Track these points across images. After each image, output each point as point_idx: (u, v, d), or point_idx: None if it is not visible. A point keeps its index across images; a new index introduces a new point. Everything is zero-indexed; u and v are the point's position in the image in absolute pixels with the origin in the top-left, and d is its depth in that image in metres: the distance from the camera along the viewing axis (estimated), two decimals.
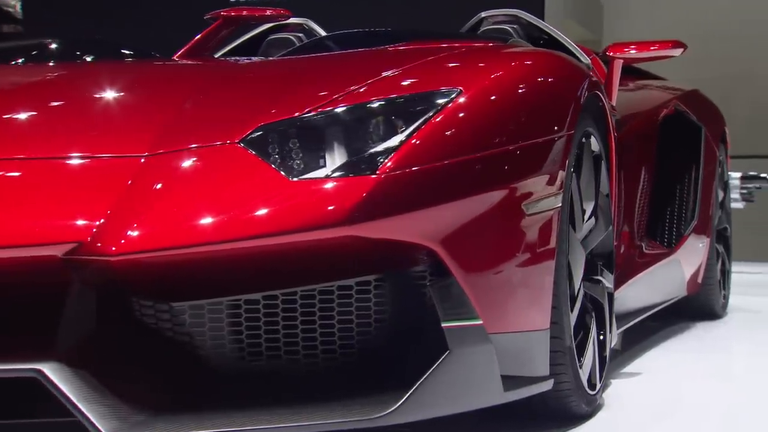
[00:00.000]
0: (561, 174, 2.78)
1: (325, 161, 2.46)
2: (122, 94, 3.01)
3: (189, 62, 4.06)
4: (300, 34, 4.77)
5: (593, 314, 3.12)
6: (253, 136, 2.52)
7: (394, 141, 2.48)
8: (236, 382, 2.42)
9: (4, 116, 2.80)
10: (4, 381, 2.30)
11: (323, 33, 4.77)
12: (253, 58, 4.28)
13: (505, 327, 2.60)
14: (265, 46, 4.75)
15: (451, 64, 2.90)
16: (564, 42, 4.48)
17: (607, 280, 3.28)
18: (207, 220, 2.34)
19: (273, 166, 2.44)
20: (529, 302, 2.69)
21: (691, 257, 4.81)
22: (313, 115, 2.56)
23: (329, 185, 2.40)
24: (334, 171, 2.43)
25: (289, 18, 4.48)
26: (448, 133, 2.54)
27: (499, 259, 2.61)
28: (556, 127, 2.79)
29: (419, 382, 2.39)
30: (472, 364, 2.50)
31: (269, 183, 2.41)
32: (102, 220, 2.32)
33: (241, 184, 2.42)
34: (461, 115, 2.58)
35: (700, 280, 5.00)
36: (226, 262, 2.34)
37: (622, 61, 4.15)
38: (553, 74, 2.96)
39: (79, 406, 2.24)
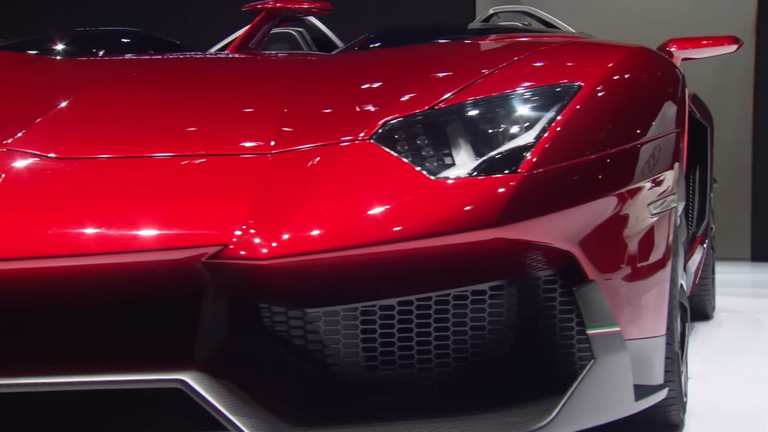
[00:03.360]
0: (675, 173, 2.67)
1: (457, 158, 2.33)
2: (221, 90, 2.85)
3: (266, 57, 3.86)
4: (300, 29, 4.62)
5: (684, 318, 3.03)
6: (382, 132, 2.37)
7: (529, 137, 2.35)
8: (368, 393, 2.26)
9: (114, 113, 2.63)
10: (136, 392, 2.15)
11: (323, 28, 4.62)
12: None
13: (632, 333, 2.48)
14: (266, 40, 4.57)
15: (562, 58, 2.76)
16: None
17: (686, 283, 3.19)
18: (357, 222, 2.18)
19: (412, 164, 2.29)
20: (652, 307, 2.57)
21: (696, 258, 4.76)
22: (439, 110, 2.43)
23: (475, 184, 2.25)
24: (474, 169, 2.28)
25: (329, 11, 4.30)
26: (578, 129, 2.42)
27: (627, 262, 2.48)
28: (669, 124, 2.69)
29: (570, 392, 2.26)
30: (612, 373, 2.39)
31: (413, 182, 2.26)
32: (244, 223, 2.15)
33: (383, 183, 2.26)
34: (588, 110, 2.46)
35: (697, 280, 4.96)
36: (368, 265, 2.18)
37: (681, 57, 4.08)
38: (660, 69, 2.85)
39: (233, 419, 2.09)
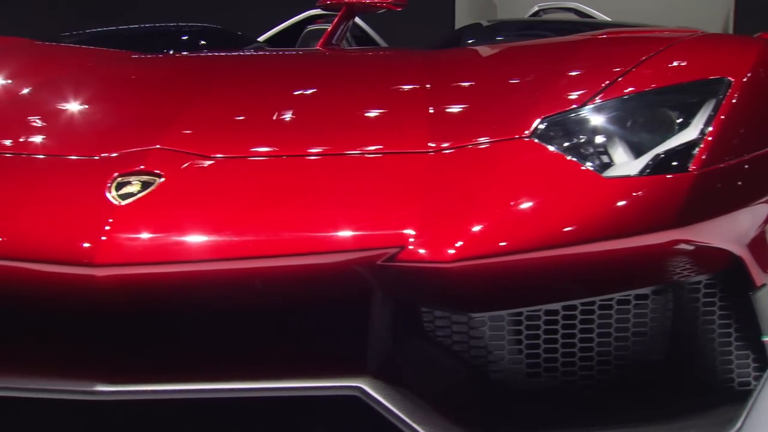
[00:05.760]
0: None
1: (615, 156, 2.21)
2: (353, 88, 2.73)
3: (378, 54, 3.72)
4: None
5: None
6: (540, 130, 2.24)
7: (692, 134, 2.23)
8: (531, 401, 2.15)
9: (255, 111, 2.51)
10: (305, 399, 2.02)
11: (364, 25, 4.50)
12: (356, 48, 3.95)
13: None
14: (303, 36, 4.46)
15: (701, 52, 2.63)
16: None
17: None
18: (537, 224, 2.04)
19: (581, 163, 2.16)
20: None
21: None
22: (593, 107, 2.31)
23: (650, 184, 2.13)
24: (644, 168, 2.15)
25: (405, 6, 4.16)
26: (738, 124, 2.30)
27: None
28: None
29: (752, 401, 2.16)
30: None
31: (585, 182, 2.13)
32: (418, 224, 2.02)
33: (554, 182, 2.13)
34: (743, 105, 2.34)
35: None
36: (543, 267, 2.05)
37: None
38: None
39: (417, 427, 1.96)
